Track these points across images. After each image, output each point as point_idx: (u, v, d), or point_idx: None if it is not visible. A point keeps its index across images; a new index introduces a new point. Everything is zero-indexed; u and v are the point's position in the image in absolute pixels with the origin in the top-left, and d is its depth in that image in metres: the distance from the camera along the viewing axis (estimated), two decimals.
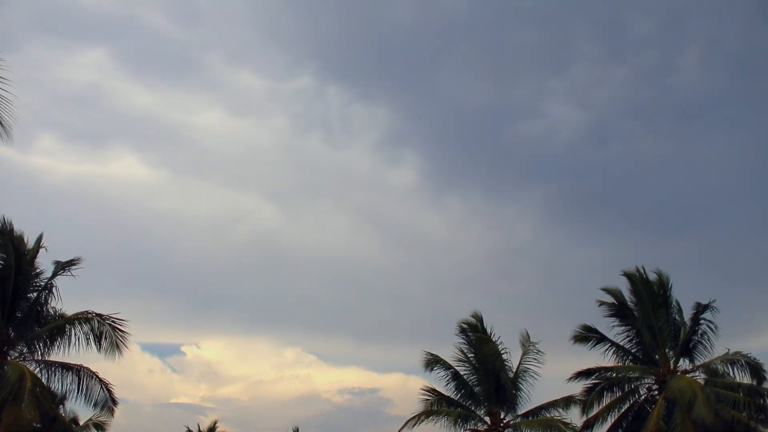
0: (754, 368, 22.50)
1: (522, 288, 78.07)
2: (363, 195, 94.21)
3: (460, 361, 26.17)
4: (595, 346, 25.09)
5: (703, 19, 77.73)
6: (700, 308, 23.41)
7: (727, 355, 22.49)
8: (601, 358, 24.91)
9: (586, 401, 24.02)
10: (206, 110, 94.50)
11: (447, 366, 26.24)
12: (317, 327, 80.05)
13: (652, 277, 24.47)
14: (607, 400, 24.10)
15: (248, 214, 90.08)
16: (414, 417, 25.40)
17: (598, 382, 24.34)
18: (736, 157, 73.54)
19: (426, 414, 25.44)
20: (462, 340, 26.30)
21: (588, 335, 25.04)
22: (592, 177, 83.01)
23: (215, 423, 42.82)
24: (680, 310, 24.47)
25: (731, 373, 22.65)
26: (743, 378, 22.48)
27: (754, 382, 22.38)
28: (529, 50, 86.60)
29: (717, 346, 23.38)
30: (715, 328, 23.17)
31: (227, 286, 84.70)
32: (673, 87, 78.65)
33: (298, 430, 42.74)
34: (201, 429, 41.69)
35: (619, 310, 24.84)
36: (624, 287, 25.08)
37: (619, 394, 24.06)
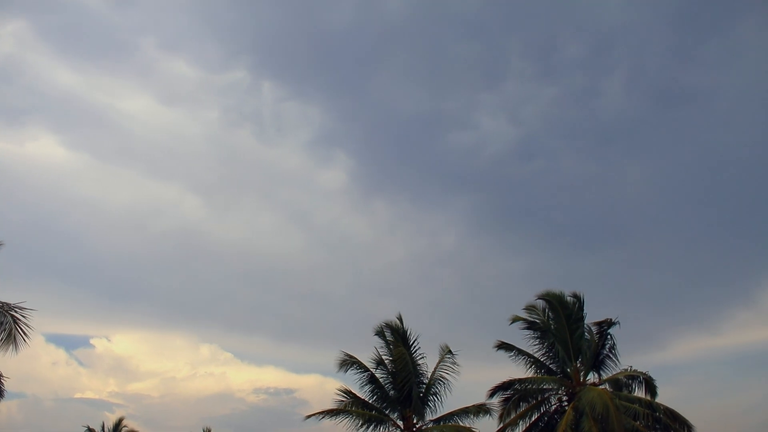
0: (649, 384, 24.78)
1: (444, 295, 79.93)
2: (291, 193, 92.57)
3: (377, 363, 26.15)
4: (517, 356, 26.25)
5: (629, 47, 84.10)
6: (607, 324, 25.31)
7: (629, 371, 24.59)
8: (516, 368, 26.21)
9: (503, 411, 25.15)
10: (134, 96, 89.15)
11: (363, 368, 26.13)
12: (236, 324, 77.68)
13: (569, 296, 25.92)
14: (521, 410, 25.36)
15: (171, 205, 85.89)
16: (323, 412, 25.13)
17: (514, 392, 25.55)
18: (650, 182, 79.83)
19: (338, 413, 25.29)
20: (380, 343, 26.41)
21: (509, 346, 26.25)
22: (518, 191, 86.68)
23: (121, 420, 39.92)
24: (588, 329, 26.25)
25: (632, 387, 24.77)
26: (641, 392, 24.67)
27: (648, 396, 24.50)
28: (465, 62, 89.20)
29: (622, 360, 25.47)
30: (620, 342, 25.31)
31: (144, 279, 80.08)
32: (598, 109, 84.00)
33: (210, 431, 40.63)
34: (106, 427, 38.54)
35: (536, 325, 26.14)
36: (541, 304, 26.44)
37: (533, 403, 25.38)
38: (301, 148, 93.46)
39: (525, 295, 26.89)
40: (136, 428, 41.07)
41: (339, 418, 25.25)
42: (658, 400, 24.20)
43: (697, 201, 76.34)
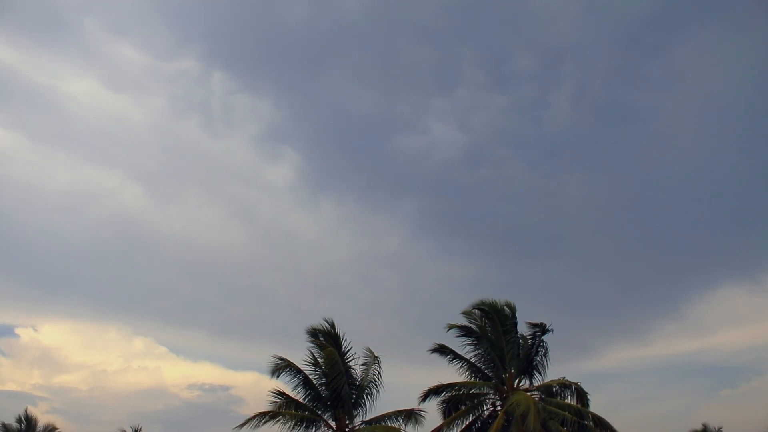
0: (580, 394, 25.42)
1: (385, 297, 79.72)
2: (236, 187, 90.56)
3: (311, 365, 25.88)
4: (451, 361, 26.51)
5: (577, 64, 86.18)
6: (541, 330, 25.78)
7: (562, 380, 25.20)
8: (451, 372, 26.47)
9: (443, 412, 25.23)
10: (76, 77, 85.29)
11: (297, 370, 25.80)
12: (172, 318, 75.32)
13: (503, 305, 26.24)
14: (455, 413, 25.53)
15: (111, 192, 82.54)
16: (257, 415, 24.59)
17: (450, 396, 25.67)
18: (590, 195, 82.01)
19: (270, 415, 24.82)
20: (313, 345, 26.13)
21: (444, 350, 26.46)
22: (464, 197, 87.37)
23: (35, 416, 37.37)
24: (524, 336, 26.65)
25: (564, 395, 25.27)
26: (573, 400, 25.19)
27: (579, 405, 24.98)
28: (419, 66, 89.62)
29: (556, 367, 26.05)
30: (556, 349, 25.84)
31: (78, 267, 76.49)
32: (545, 122, 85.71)
33: (140, 429, 38.80)
34: (24, 419, 35.98)
35: (472, 332, 26.35)
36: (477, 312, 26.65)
37: (467, 407, 25.59)
38: (249, 143, 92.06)
39: (466, 299, 27.35)
40: (57, 422, 38.80)
41: (276, 421, 24.83)
42: (590, 406, 24.81)
43: (633, 216, 79.32)
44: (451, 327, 26.37)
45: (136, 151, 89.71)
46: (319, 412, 25.58)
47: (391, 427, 25.20)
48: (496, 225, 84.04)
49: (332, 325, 26.15)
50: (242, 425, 24.31)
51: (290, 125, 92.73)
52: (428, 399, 26.06)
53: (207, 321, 77.29)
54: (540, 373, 25.90)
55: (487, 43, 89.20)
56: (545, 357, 25.85)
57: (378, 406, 25.93)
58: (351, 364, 26.13)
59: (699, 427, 42.67)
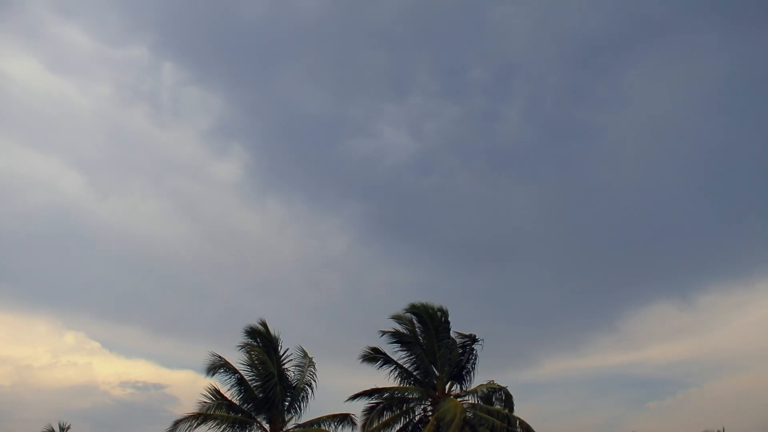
0: (507, 397, 26.07)
1: (329, 299, 78.99)
2: (182, 181, 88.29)
3: (247, 365, 25.79)
4: (382, 366, 26.69)
5: (529, 79, 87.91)
6: (472, 339, 26.31)
7: (491, 384, 25.62)
8: (386, 377, 26.57)
9: (366, 419, 25.44)
10: (17, 57, 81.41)
11: (233, 370, 25.65)
12: (107, 312, 72.56)
13: (437, 309, 26.64)
14: (386, 418, 25.76)
15: (48, 179, 78.98)
16: (185, 418, 24.33)
17: (380, 401, 25.93)
18: (535, 208, 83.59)
19: (200, 417, 24.54)
20: (249, 345, 26.01)
21: (376, 356, 26.60)
22: (412, 204, 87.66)
23: None
24: (455, 342, 27.13)
25: (493, 400, 25.90)
26: (501, 404, 25.82)
27: (506, 410, 25.66)
28: (373, 71, 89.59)
29: (493, 375, 26.37)
30: (495, 357, 26.38)
31: (7, 255, 72.29)
32: (495, 134, 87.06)
33: (69, 427, 37.33)
34: None
35: (405, 337, 26.63)
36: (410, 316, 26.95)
37: (397, 412, 25.85)
38: (197, 136, 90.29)
39: (407, 304, 27.30)
40: None
41: (207, 424, 24.56)
42: (519, 414, 25.46)
43: (576, 230, 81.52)
44: (383, 333, 26.71)
45: (77, 138, 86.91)
46: (253, 414, 25.47)
47: (323, 431, 25.30)
48: (443, 232, 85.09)
49: (266, 326, 26.10)
50: (178, 422, 24.11)
51: (241, 121, 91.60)
52: (356, 399, 26.27)
53: (144, 317, 75.17)
54: (470, 380, 26.47)
55: (442, 52, 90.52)
56: (475, 365, 26.39)
57: (315, 409, 26.13)
58: (287, 366, 26.20)
59: None
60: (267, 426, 25.33)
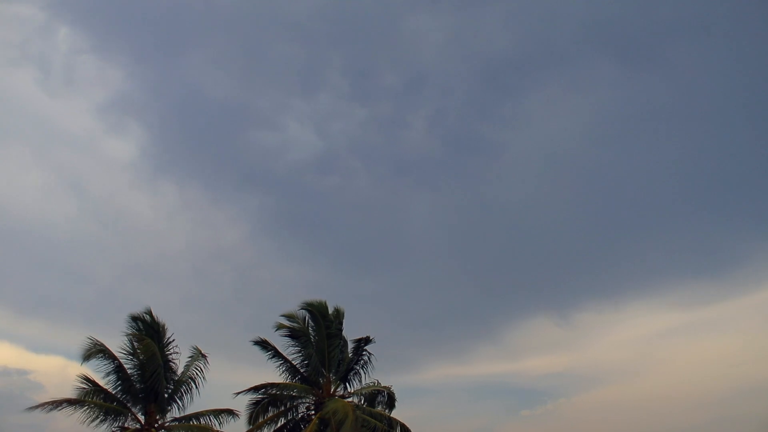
0: (390, 398, 26.63)
1: (217, 291, 75.94)
2: (69, 155, 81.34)
3: (127, 353, 24.76)
4: (271, 359, 26.49)
5: (437, 90, 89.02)
6: (365, 341, 26.67)
7: (375, 386, 26.06)
8: (274, 372, 26.38)
9: (252, 413, 25.00)
10: None
11: (111, 357, 24.54)
12: None
13: (331, 309, 26.83)
14: (270, 414, 25.51)
15: None
16: (51, 402, 22.94)
17: (265, 396, 25.65)
18: (432, 217, 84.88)
19: (70, 402, 23.19)
20: (132, 333, 24.94)
21: (266, 346, 26.38)
22: (309, 201, 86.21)
23: None
24: (346, 343, 27.37)
25: (376, 402, 26.34)
26: (384, 406, 26.31)
27: (387, 411, 26.15)
28: (284, 64, 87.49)
29: (378, 378, 26.76)
30: (383, 361, 26.92)
31: None
32: (400, 140, 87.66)
33: None
34: None
35: (297, 333, 26.52)
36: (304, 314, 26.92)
37: (282, 409, 25.64)
38: (91, 109, 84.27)
39: (299, 303, 27.16)
40: None
41: (73, 409, 23.18)
42: (400, 417, 26.12)
43: (469, 241, 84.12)
44: (279, 327, 26.44)
45: None
46: (129, 405, 24.44)
47: (203, 425, 24.65)
48: (339, 233, 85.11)
49: (151, 315, 25.28)
50: (34, 408, 22.78)
51: (140, 98, 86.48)
52: (246, 394, 25.99)
53: (11, 296, 69.15)
54: (359, 381, 26.80)
55: (355, 54, 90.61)
56: (366, 367, 26.77)
57: (199, 403, 25.46)
58: (171, 357, 25.36)
59: None
60: (142, 417, 24.38)
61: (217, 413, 25.14)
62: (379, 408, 26.28)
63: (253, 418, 25.41)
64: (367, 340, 26.60)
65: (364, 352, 26.66)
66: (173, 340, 25.28)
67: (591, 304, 71.42)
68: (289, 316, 26.67)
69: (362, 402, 26.16)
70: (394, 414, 26.34)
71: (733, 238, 67.03)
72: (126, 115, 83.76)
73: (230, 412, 25.21)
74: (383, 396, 26.54)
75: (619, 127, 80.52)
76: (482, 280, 76.78)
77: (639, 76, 78.20)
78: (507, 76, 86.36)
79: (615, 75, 79.26)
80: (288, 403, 25.96)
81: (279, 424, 25.69)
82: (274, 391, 25.89)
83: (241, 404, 26.02)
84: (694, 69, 74.24)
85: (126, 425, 24.13)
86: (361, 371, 26.69)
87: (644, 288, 68.12)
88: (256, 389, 25.86)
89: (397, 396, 26.67)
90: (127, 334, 24.73)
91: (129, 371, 24.52)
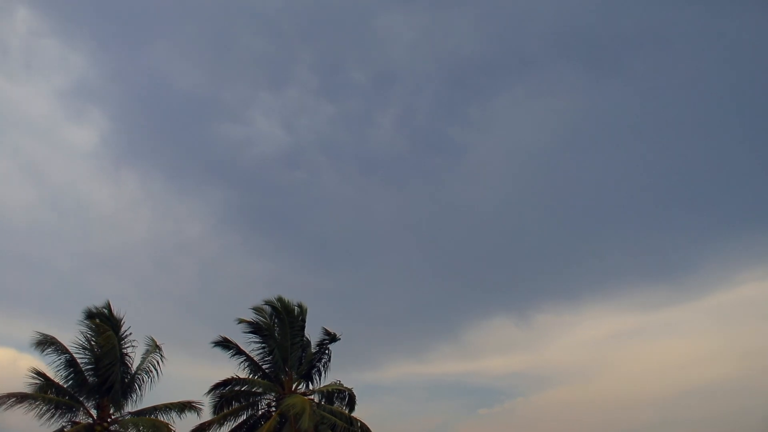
0: (351, 399, 26.51)
1: (179, 285, 74.38)
2: (27, 141, 78.25)
3: (81, 347, 24.16)
4: (233, 356, 26.09)
5: (406, 89, 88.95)
6: (330, 338, 26.55)
7: (336, 385, 25.94)
8: (237, 368, 26.00)
9: (215, 406, 25.04)
10: None
11: (63, 350, 23.90)
12: None
13: (295, 305, 26.56)
14: (233, 407, 25.38)
15: None
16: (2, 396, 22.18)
17: (229, 392, 25.36)
18: (396, 216, 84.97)
19: (19, 397, 22.40)
20: (88, 327, 24.33)
21: (228, 344, 26.02)
22: (275, 196, 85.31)
23: None
24: (309, 340, 27.11)
25: (334, 400, 26.27)
26: (344, 405, 26.19)
27: (347, 410, 26.05)
28: (253, 57, 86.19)
29: (338, 375, 26.75)
30: (342, 357, 26.84)
31: None
32: (367, 137, 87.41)
33: None
34: None
35: (261, 329, 26.13)
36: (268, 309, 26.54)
37: (244, 404, 25.42)
38: (51, 94, 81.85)
39: (262, 298, 26.85)
40: None
41: (21, 405, 22.42)
42: (359, 415, 25.92)
43: (432, 240, 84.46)
44: (241, 321, 26.12)
45: None
46: (82, 399, 23.78)
47: (157, 420, 24.10)
48: (302, 229, 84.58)
49: (110, 308, 24.72)
50: None
51: (103, 85, 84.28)
52: (214, 391, 25.76)
53: None
54: (319, 379, 26.69)
55: (325, 50, 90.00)
56: (327, 364, 26.68)
57: (158, 397, 25.00)
58: (127, 351, 24.80)
59: None
60: (94, 412, 23.75)
61: (176, 407, 24.60)
62: (337, 405, 26.16)
63: (216, 411, 25.19)
64: (333, 338, 26.45)
65: (327, 350, 26.52)
66: (130, 334, 24.74)
67: (550, 305, 72.60)
68: (256, 309, 26.28)
69: (322, 400, 26.00)
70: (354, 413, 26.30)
71: (688, 244, 69.28)
72: (88, 103, 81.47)
73: (191, 407, 24.71)
74: (344, 395, 26.42)
75: (582, 131, 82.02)
76: (444, 279, 77.38)
77: (603, 82, 79.83)
78: (475, 78, 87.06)
79: (580, 80, 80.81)
80: (251, 399, 25.68)
81: (241, 419, 25.43)
82: (238, 388, 25.62)
83: (203, 397, 25.65)
84: (656, 76, 76.37)
85: (77, 420, 23.45)
86: (322, 369, 26.57)
87: (601, 290, 69.86)
88: (224, 384, 25.63)
89: (357, 394, 26.57)
90: (87, 326, 24.10)
91: (81, 365, 23.89)
